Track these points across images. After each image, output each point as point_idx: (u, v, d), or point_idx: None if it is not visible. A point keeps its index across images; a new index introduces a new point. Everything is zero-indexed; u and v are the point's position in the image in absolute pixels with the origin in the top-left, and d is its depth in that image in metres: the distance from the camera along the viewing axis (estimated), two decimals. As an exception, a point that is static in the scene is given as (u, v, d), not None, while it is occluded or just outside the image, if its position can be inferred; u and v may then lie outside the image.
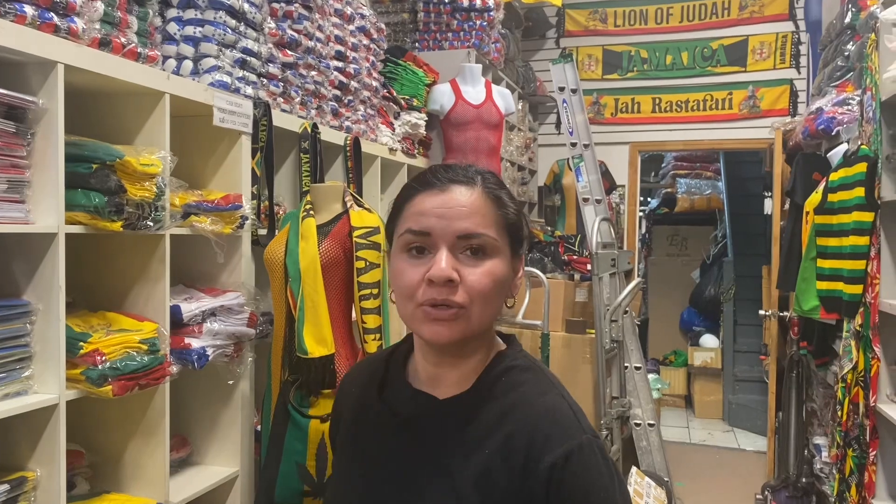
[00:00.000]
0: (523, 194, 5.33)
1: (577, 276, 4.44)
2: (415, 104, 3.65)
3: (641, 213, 7.57)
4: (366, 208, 2.20)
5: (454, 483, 0.97)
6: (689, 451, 5.33)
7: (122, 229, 1.65)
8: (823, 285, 3.09)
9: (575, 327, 3.90)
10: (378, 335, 2.09)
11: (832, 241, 3.00)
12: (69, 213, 1.60)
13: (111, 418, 1.89)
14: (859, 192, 2.77)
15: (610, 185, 5.53)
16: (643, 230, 7.61)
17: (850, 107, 3.36)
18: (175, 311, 1.92)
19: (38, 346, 1.57)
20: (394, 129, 3.47)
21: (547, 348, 3.62)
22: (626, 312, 3.96)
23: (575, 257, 4.65)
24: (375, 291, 2.09)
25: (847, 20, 3.75)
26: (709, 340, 6.39)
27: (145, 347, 1.73)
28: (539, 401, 1.00)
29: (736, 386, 6.06)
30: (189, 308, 1.96)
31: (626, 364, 3.99)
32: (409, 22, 4.16)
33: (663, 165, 7.58)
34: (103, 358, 1.62)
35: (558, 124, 5.71)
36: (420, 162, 3.85)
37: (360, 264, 2.07)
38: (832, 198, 3.00)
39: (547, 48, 5.73)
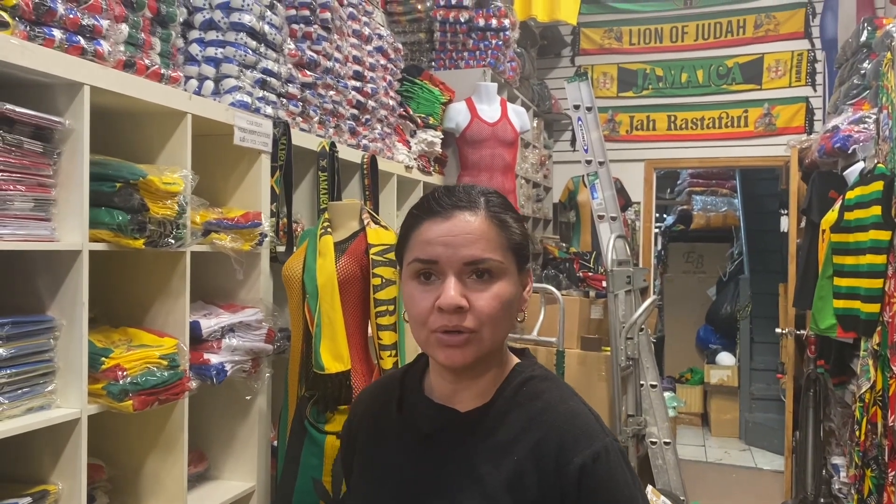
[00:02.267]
0: (538, 211, 5.35)
1: (592, 293, 4.44)
2: (431, 122, 3.69)
3: (657, 230, 7.58)
4: (382, 226, 2.23)
5: (486, 490, 1.00)
6: (706, 470, 5.29)
7: (144, 247, 1.69)
8: (840, 304, 3.07)
9: (590, 344, 3.90)
10: (394, 351, 2.11)
11: (849, 260, 2.99)
12: (93, 230, 1.63)
13: (131, 433, 1.92)
14: (876, 210, 2.76)
15: (625, 201, 5.54)
16: (659, 247, 7.60)
17: (866, 125, 3.35)
18: (195, 327, 1.95)
19: (61, 362, 1.60)
20: (410, 147, 3.51)
21: (562, 365, 3.62)
22: (641, 330, 3.95)
23: (590, 274, 4.66)
24: (391, 308, 2.11)
25: (863, 39, 3.76)
26: (725, 358, 6.35)
27: (165, 363, 1.76)
28: (563, 407, 1.04)
29: (752, 404, 6.01)
30: (208, 324, 1.98)
31: (641, 382, 3.97)
32: (426, 41, 4.21)
33: (679, 182, 7.57)
34: (124, 373, 1.65)
35: (573, 141, 5.73)
36: (436, 179, 3.88)
37: (376, 281, 2.09)
38: (848, 216, 3.00)
39: (562, 66, 5.77)
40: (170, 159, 1.90)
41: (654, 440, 3.98)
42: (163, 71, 1.85)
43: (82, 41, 1.60)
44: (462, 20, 4.05)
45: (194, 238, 1.94)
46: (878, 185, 2.79)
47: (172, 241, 1.77)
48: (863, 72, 3.72)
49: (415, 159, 3.55)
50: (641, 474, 3.97)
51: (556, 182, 5.80)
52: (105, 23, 1.65)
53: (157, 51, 1.96)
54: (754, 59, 5.40)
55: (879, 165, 2.87)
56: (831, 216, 3.21)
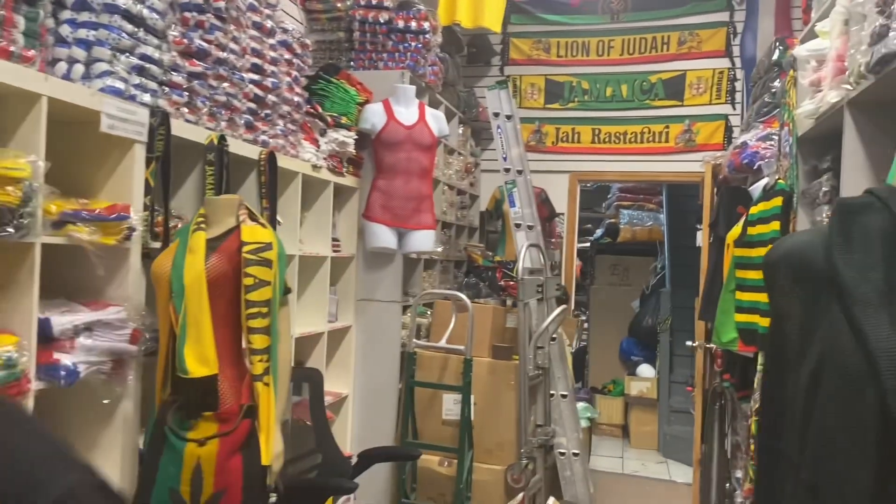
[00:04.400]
0: (463, 218, 5.31)
1: (509, 302, 4.41)
2: (343, 122, 3.60)
3: (587, 244, 7.63)
4: (260, 223, 2.13)
5: None
6: (621, 482, 5.30)
7: (-27, 235, 1.55)
8: (741, 318, 3.09)
9: (501, 353, 3.86)
10: (265, 356, 2.01)
11: (751, 274, 3.01)
12: (-85, 215, 1.50)
13: (-34, 437, 1.77)
14: (775, 225, 2.78)
15: (549, 212, 5.54)
16: (586, 259, 7.65)
17: (772, 142, 3.40)
18: (44, 325, 1.82)
19: None
20: (318, 146, 3.41)
21: (469, 374, 3.56)
22: (553, 339, 3.93)
23: (512, 283, 4.63)
24: (265, 310, 2.02)
25: (775, 57, 3.82)
26: (645, 370, 6.40)
27: (0, 362, 1.63)
28: None
29: (671, 417, 6.06)
30: (60, 322, 1.85)
31: (552, 392, 3.95)
32: (345, 41, 4.12)
33: (609, 196, 7.65)
34: (-54, 372, 1.51)
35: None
36: (350, 181, 3.80)
37: (248, 281, 1.99)
38: (751, 231, 3.02)
39: (492, 75, 5.75)
40: (23, 144, 1.77)
41: (562, 451, 3.95)
42: (12, 49, 1.72)
43: None
44: (381, 21, 3.97)
45: (46, 229, 1.81)
46: (777, 201, 2.82)
47: (12, 231, 1.63)
48: (773, 90, 3.78)
49: (324, 159, 3.46)
50: (550, 485, 3.95)
51: (483, 190, 5.76)
52: (-64, -9, 1.52)
53: (20, 29, 1.83)
54: (677, 75, 5.48)
55: (780, 181, 2.91)
56: (736, 231, 3.24)
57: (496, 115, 4.14)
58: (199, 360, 1.94)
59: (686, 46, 5.46)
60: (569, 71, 5.70)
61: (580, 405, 4.81)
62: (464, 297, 3.67)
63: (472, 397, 3.60)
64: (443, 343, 3.65)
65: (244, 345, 2.03)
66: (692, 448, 5.40)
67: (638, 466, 5.72)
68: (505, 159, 4.09)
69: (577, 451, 3.97)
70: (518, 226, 4.04)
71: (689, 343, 4.49)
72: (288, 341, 2.15)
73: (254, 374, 2.00)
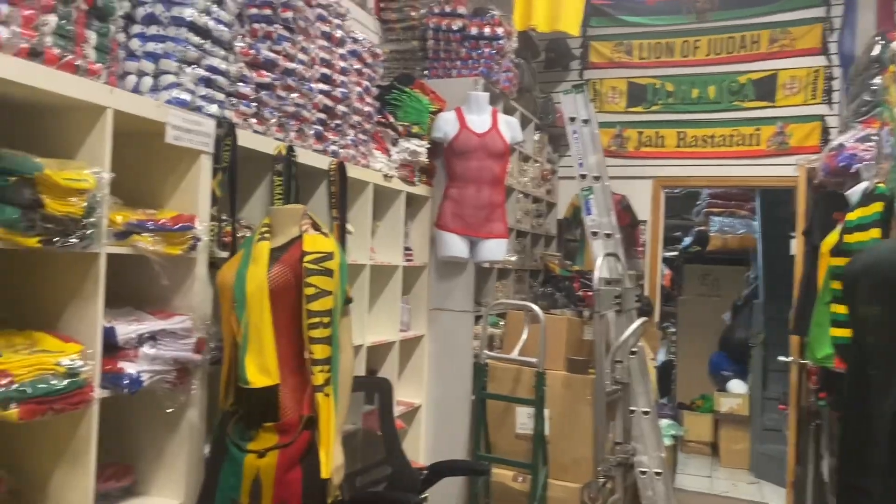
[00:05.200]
0: (539, 227, 5.19)
1: (586, 314, 4.27)
2: (415, 131, 3.58)
3: (675, 252, 7.34)
4: (322, 233, 2.11)
5: None
6: (710, 503, 5.03)
7: (39, 245, 1.59)
8: (837, 332, 2.86)
9: (577, 366, 3.72)
10: (326, 367, 1.98)
11: (847, 285, 2.79)
12: (-16, 226, 1.54)
13: (35, 443, 1.82)
14: (875, 233, 2.57)
15: (631, 220, 5.36)
16: (675, 269, 7.37)
17: (872, 143, 3.15)
18: (109, 334, 1.85)
19: (-60, 364, 1.50)
20: (390, 156, 3.39)
21: (542, 387, 3.45)
22: (633, 353, 3.76)
23: (590, 293, 4.48)
24: (326, 320, 1.99)
25: (875, 53, 3.55)
26: (736, 386, 6.08)
27: (63, 370, 1.66)
28: None
29: (764, 435, 5.72)
30: (125, 330, 1.88)
31: (632, 408, 3.78)
32: (419, 50, 4.11)
33: (698, 203, 7.34)
34: (10, 380, 1.54)
35: (580, 157, 5.55)
36: (422, 190, 3.77)
37: (309, 290, 1.97)
38: (848, 239, 2.80)
39: (570, 80, 5.62)
40: (89, 156, 1.81)
41: (644, 470, 3.77)
42: (78, 62, 1.76)
43: (-25, 26, 1.52)
44: (455, 28, 3.94)
45: (112, 239, 1.84)
46: (877, 207, 2.60)
47: (75, 241, 1.66)
48: (873, 88, 3.51)
49: (396, 168, 3.44)
50: (631, 505, 3.77)
51: (561, 198, 5.63)
52: (5, 7, 1.57)
53: (92, 44, 1.88)
54: (768, 75, 5.19)
55: (879, 185, 2.68)
56: (831, 239, 3.01)
57: (572, 119, 4.02)
58: (260, 370, 1.93)
59: (778, 45, 5.17)
60: (652, 73, 5.50)
61: (664, 422, 4.61)
62: (535, 307, 3.56)
63: (547, 411, 3.48)
64: (515, 355, 3.56)
65: (305, 355, 2.01)
66: (787, 469, 5.08)
67: (728, 487, 5.42)
68: (581, 165, 3.96)
69: (659, 471, 3.78)
70: (595, 234, 3.90)
71: (782, 359, 4.22)
72: (349, 352, 2.11)
73: (314, 385, 1.97)
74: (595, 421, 3.51)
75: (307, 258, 2.00)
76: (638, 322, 3.63)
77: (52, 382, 1.62)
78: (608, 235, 3.92)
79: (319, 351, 1.98)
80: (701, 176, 5.44)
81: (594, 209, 3.93)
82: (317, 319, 1.98)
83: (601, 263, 3.64)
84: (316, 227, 2.14)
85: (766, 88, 5.19)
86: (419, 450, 3.80)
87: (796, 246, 4.34)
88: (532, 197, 4.92)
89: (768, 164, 5.18)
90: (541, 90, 5.29)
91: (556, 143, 5.59)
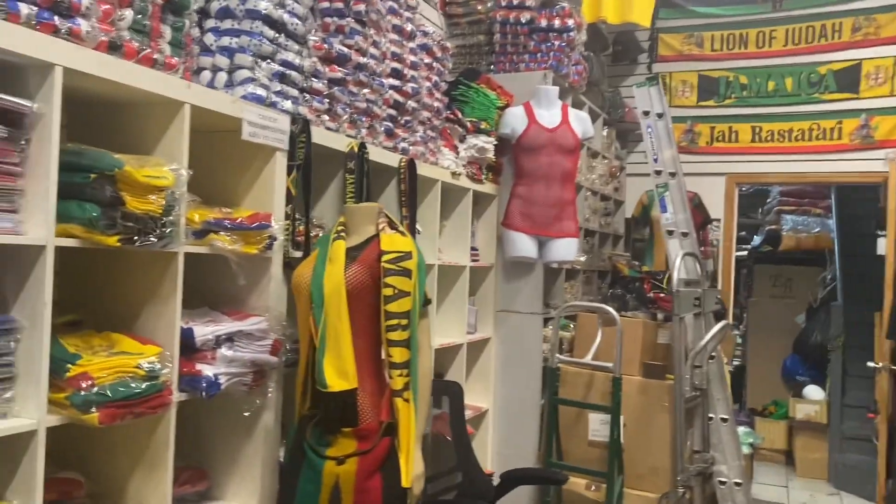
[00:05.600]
0: (607, 226, 5.04)
1: (660, 316, 4.10)
2: (483, 127, 3.48)
3: (745, 252, 7.07)
4: (400, 231, 2.03)
5: None
6: (787, 516, 4.81)
7: (118, 244, 1.54)
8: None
9: (653, 372, 3.57)
10: (405, 370, 1.90)
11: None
12: (65, 225, 1.50)
13: (114, 447, 1.78)
14: None
15: (703, 218, 5.15)
16: (745, 269, 7.09)
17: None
18: (186, 335, 1.80)
19: (22, 367, 1.46)
20: (458, 153, 3.30)
21: (619, 393, 3.31)
22: (712, 358, 3.59)
23: (661, 295, 4.31)
24: (404, 322, 1.91)
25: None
26: (813, 392, 5.80)
27: (143, 373, 1.61)
28: None
29: (844, 444, 5.43)
30: (203, 332, 1.83)
31: (710, 415, 3.60)
32: (485, 44, 4.00)
33: (768, 200, 7.05)
34: (91, 382, 1.50)
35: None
36: (489, 188, 3.66)
37: (387, 291, 1.89)
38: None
39: (638, 73, 5.43)
40: (167, 153, 1.76)
41: (723, 480, 3.59)
42: (156, 56, 1.72)
43: (56, 19, 1.47)
44: (523, 21, 3.82)
45: (189, 238, 1.79)
46: None
47: (154, 240, 1.61)
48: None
49: (463, 166, 3.34)
50: (708, 517, 3.60)
51: (628, 196, 5.46)
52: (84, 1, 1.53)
53: (166, 39, 1.83)
54: (851, 65, 4.92)
55: None
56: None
57: (646, 113, 3.86)
58: (339, 373, 1.85)
59: (861, 33, 4.89)
60: (725, 65, 5.27)
61: (741, 430, 4.41)
62: (612, 310, 3.42)
63: (622, 418, 3.34)
64: (588, 359, 3.42)
65: (383, 358, 1.93)
66: (869, 480, 4.82)
67: (806, 498, 5.17)
68: (656, 160, 3.79)
69: (739, 481, 3.59)
70: (671, 233, 3.73)
71: (871, 364, 3.98)
72: (428, 354, 2.02)
73: (393, 390, 1.89)
74: (674, 428, 3.35)
75: (385, 258, 1.92)
76: (719, 325, 3.45)
77: (132, 385, 1.57)
78: (684, 234, 3.75)
79: (398, 354, 1.90)
80: (778, 172, 5.20)
81: (669, 206, 3.76)
82: (395, 321, 1.90)
83: (679, 264, 3.47)
84: (393, 225, 2.06)
85: (848, 79, 4.91)
86: (487, 456, 3.70)
87: (886, 245, 4.10)
88: (600, 194, 4.77)
89: (852, 158, 4.91)
90: (608, 84, 5.13)
91: (624, 139, 5.41)
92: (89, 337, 1.68)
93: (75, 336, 1.65)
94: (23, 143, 1.45)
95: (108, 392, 1.52)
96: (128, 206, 1.54)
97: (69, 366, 1.50)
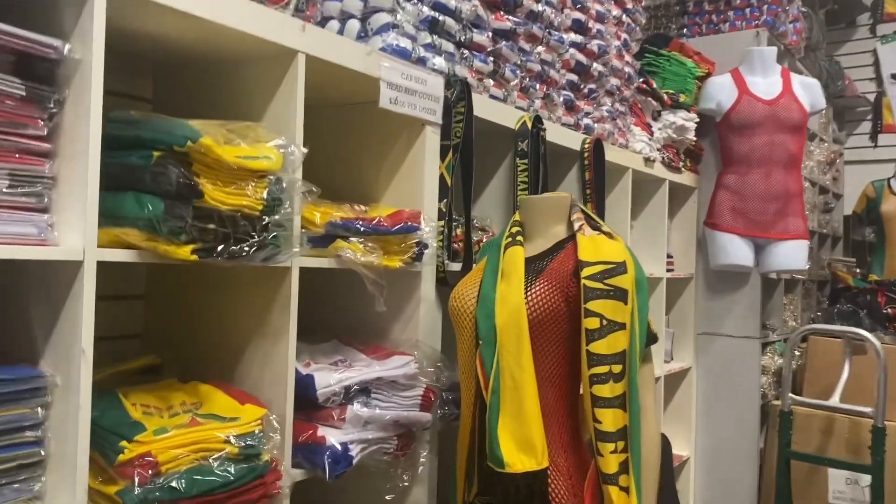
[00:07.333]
0: (825, 225, 4.10)
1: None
2: (682, 101, 2.76)
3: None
4: (605, 232, 1.38)
5: None
6: None
7: (193, 256, 1.01)
8: None
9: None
10: (622, 443, 1.25)
11: None
12: (115, 229, 1.00)
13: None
14: None
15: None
16: None
17: None
18: (305, 384, 1.25)
19: (54, 444, 0.97)
20: (652, 133, 2.61)
21: (881, 448, 2.45)
22: None
23: (909, 312, 3.38)
24: (618, 369, 1.26)
25: None
26: None
27: (236, 450, 1.07)
28: None
29: None
30: (326, 381, 1.27)
31: None
32: (676, 4, 3.27)
33: None
34: (155, 470, 0.98)
35: (874, 135, 4.36)
36: (686, 178, 2.93)
37: (591, 323, 1.25)
38: None
39: (858, 38, 4.44)
40: (275, 126, 1.23)
41: None
42: (254, -16, 1.19)
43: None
44: (727, -32, 3.06)
45: (304, 247, 1.24)
46: None
47: (248, 249, 1.07)
48: None
49: (658, 150, 2.64)
50: None
51: (847, 187, 4.46)
52: None
53: (281, -21, 1.31)
54: None
55: None
56: None
57: (894, 76, 2.96)
58: (520, 444, 1.23)
59: None
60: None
61: None
62: (870, 336, 2.56)
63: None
64: (835, 401, 2.58)
65: (589, 423, 1.29)
66: None
67: None
68: (912, 138, 2.89)
69: None
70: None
71: None
72: (655, 418, 1.36)
73: (604, 473, 1.24)
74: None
75: (586, 271, 1.28)
76: None
77: (219, 472, 1.04)
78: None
79: (610, 419, 1.25)
80: None
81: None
82: (604, 369, 1.25)
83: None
84: (593, 224, 1.41)
85: None
86: (688, 514, 2.96)
87: None
88: (819, 186, 3.86)
89: None
90: (825, 50, 4.19)
91: (841, 119, 4.43)
92: (170, 390, 1.18)
93: (147, 390, 1.15)
94: (51, 105, 0.95)
95: (182, 484, 0.99)
96: (207, 198, 1.01)
97: (123, 443, 0.98)
